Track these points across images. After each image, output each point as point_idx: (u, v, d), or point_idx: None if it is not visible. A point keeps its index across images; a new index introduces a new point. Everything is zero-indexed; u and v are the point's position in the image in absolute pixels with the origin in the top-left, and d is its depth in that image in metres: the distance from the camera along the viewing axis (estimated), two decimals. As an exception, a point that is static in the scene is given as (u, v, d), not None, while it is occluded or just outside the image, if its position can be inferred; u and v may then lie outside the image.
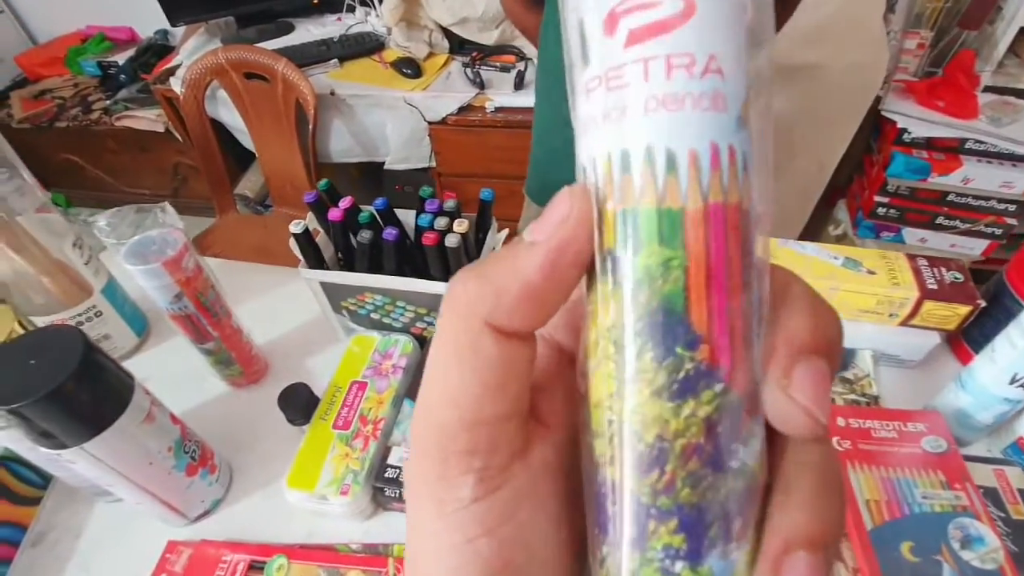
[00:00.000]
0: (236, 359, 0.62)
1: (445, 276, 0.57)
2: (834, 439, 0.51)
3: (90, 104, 1.97)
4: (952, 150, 1.34)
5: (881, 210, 1.45)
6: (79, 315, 0.62)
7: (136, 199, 2.30)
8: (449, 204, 0.58)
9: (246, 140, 1.65)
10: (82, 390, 0.40)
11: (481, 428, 0.14)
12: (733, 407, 0.13)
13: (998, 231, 1.40)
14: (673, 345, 0.13)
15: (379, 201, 0.59)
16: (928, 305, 0.58)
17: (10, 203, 0.57)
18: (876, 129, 1.48)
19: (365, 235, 0.56)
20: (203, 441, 0.54)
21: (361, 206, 0.60)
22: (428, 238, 0.53)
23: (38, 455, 0.46)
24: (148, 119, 1.87)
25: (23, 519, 0.54)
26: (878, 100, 1.40)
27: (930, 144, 1.36)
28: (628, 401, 0.13)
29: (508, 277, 0.13)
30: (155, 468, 0.47)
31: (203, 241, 1.54)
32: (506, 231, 0.62)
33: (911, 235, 1.48)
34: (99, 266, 0.64)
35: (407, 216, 0.63)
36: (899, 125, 1.34)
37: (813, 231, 1.73)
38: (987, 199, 1.35)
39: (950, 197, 1.38)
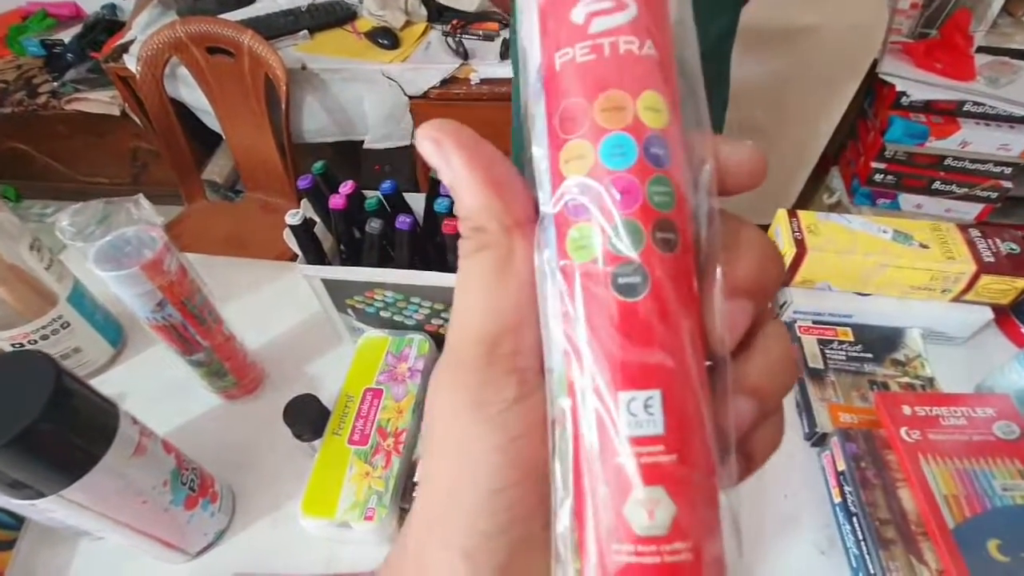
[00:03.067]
0: (229, 370, 0.55)
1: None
2: (902, 430, 0.47)
3: (36, 87, 1.81)
4: (950, 113, 1.32)
5: (878, 176, 1.42)
6: (42, 328, 0.54)
7: (92, 188, 2.15)
8: (467, 186, 0.51)
9: (211, 121, 1.53)
10: (57, 429, 0.33)
11: (523, 330, 0.15)
12: None
13: (994, 195, 1.39)
14: None
15: (386, 185, 0.53)
16: (985, 279, 0.55)
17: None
18: (870, 93, 1.44)
19: (375, 224, 0.49)
20: (200, 467, 0.48)
21: (365, 191, 0.53)
22: (449, 226, 0.47)
23: (8, 503, 0.39)
24: (101, 101, 1.73)
25: (-6, 567, 0.47)
26: (873, 64, 1.36)
27: (928, 107, 1.32)
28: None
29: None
30: (149, 506, 0.41)
31: (169, 233, 1.43)
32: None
33: (907, 201, 1.46)
34: (62, 270, 0.56)
35: (415, 201, 0.56)
36: (898, 88, 1.31)
37: (806, 199, 1.70)
38: (984, 163, 1.34)
39: (947, 161, 1.36)
